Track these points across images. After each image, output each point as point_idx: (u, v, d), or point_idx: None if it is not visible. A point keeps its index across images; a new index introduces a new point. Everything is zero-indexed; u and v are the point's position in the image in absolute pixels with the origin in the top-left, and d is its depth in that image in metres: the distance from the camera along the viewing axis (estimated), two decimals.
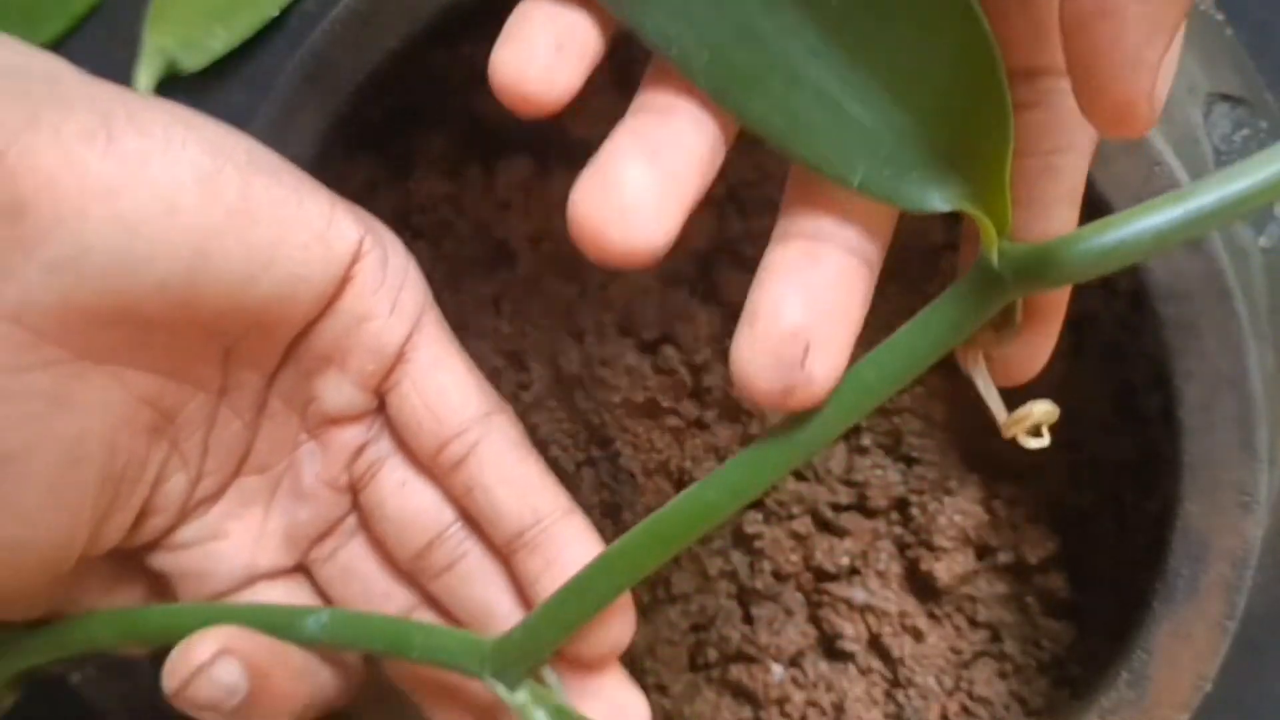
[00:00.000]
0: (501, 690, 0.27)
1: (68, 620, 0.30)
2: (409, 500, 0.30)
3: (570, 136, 0.39)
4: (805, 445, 0.24)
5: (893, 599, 0.39)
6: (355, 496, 0.30)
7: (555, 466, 0.41)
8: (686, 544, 0.26)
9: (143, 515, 0.29)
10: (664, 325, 0.39)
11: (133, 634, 0.30)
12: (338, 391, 0.29)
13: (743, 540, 0.40)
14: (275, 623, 0.29)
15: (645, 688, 0.41)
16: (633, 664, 0.41)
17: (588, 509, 0.41)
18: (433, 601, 0.31)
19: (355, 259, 0.28)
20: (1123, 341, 0.36)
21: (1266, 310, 0.35)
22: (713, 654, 0.41)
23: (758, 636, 0.40)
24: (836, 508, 0.40)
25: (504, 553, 0.30)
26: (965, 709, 0.39)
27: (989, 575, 0.39)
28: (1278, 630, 0.44)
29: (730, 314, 0.39)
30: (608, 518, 0.41)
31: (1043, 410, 0.25)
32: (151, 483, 0.28)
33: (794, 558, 0.40)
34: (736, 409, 0.39)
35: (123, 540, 0.29)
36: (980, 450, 0.38)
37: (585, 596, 0.27)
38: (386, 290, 0.29)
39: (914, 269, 0.37)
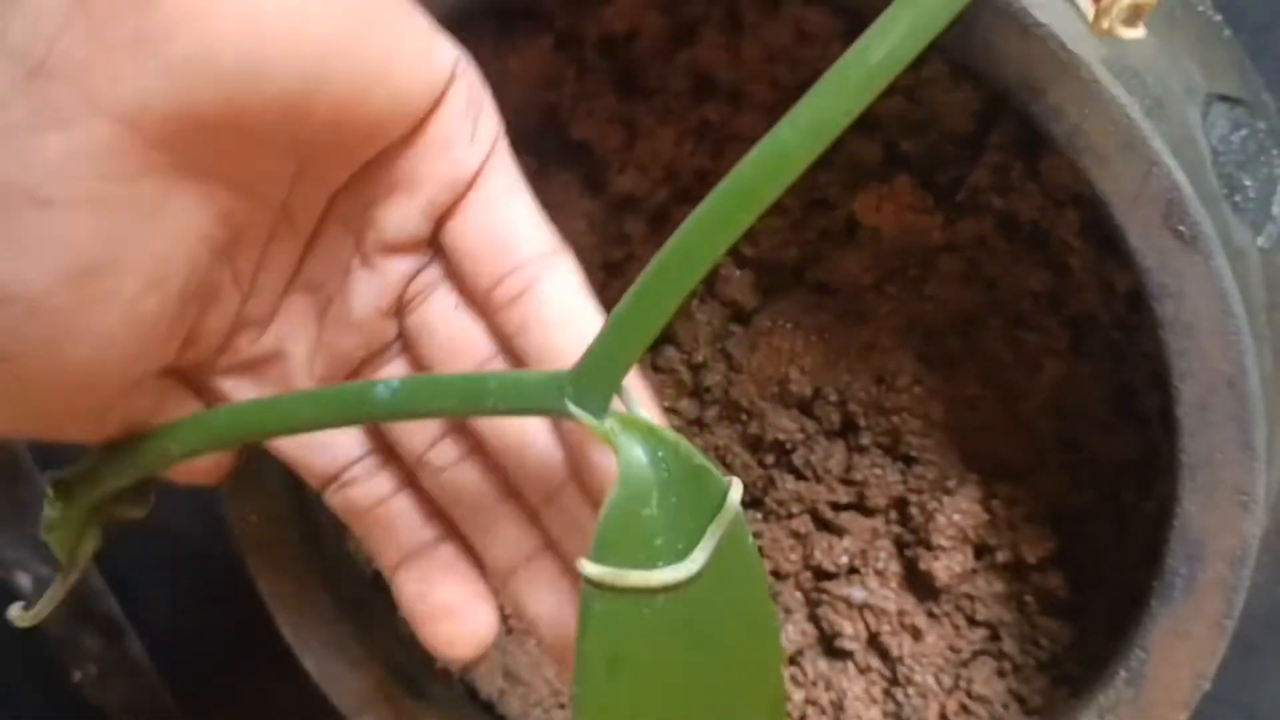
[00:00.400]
0: (589, 419, 0.24)
1: (140, 437, 0.29)
2: (457, 328, 0.28)
3: (571, 137, 0.39)
4: (882, 67, 0.23)
5: (891, 598, 0.39)
6: (402, 323, 0.29)
7: None
8: (765, 205, 0.23)
9: (201, 334, 0.27)
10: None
11: (204, 439, 0.28)
12: (403, 218, 0.27)
13: None
14: (346, 399, 0.27)
15: None
16: None
17: None
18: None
19: (450, 81, 0.27)
20: (1121, 342, 0.36)
21: (1264, 310, 0.35)
22: None
23: None
24: (835, 507, 0.40)
25: None
26: (964, 707, 0.39)
27: (987, 574, 0.39)
28: (1276, 630, 0.44)
29: (730, 314, 0.39)
30: None
31: None
32: (212, 300, 0.27)
33: (793, 556, 0.40)
34: (735, 408, 0.40)
35: (181, 359, 0.28)
36: (979, 450, 0.38)
37: (661, 292, 0.23)
38: (469, 117, 0.27)
39: (913, 268, 0.38)
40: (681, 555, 0.24)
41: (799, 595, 0.40)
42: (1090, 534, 0.38)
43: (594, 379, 0.25)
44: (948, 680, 0.39)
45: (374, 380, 0.27)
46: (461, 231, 0.28)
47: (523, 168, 0.38)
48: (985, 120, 0.36)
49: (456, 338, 0.28)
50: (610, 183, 0.39)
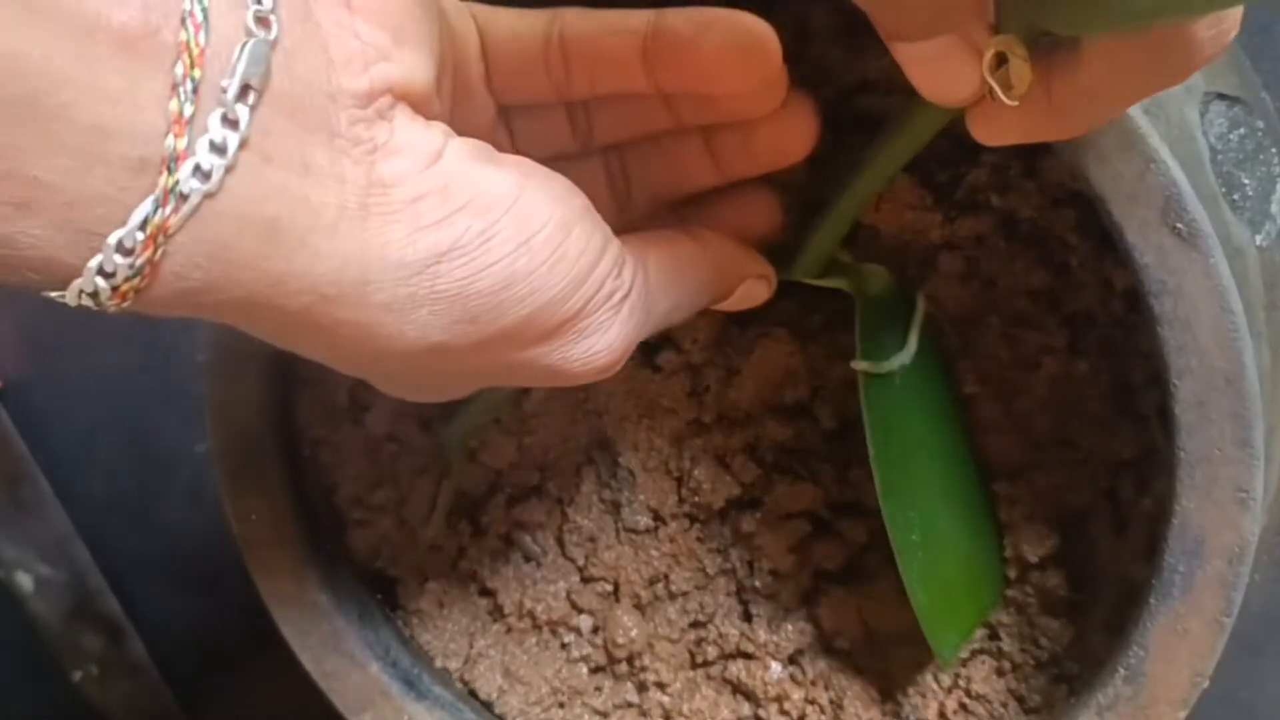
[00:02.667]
0: (812, 280, 0.36)
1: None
2: None
3: None
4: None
5: (890, 597, 0.39)
6: None
7: (557, 467, 0.41)
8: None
9: None
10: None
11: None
12: None
13: (742, 538, 0.40)
14: None
15: (644, 684, 0.41)
16: (631, 661, 0.41)
17: (588, 508, 0.41)
18: None
19: None
20: (1119, 339, 0.36)
21: (1262, 308, 0.35)
22: (712, 651, 0.41)
23: (756, 634, 0.40)
24: (833, 507, 0.40)
25: None
26: (963, 706, 0.39)
27: None
28: (1276, 628, 0.45)
29: (729, 317, 0.39)
30: (608, 515, 0.41)
31: (1015, 45, 0.26)
32: None
33: (792, 557, 0.40)
34: (734, 409, 0.40)
35: None
36: (977, 449, 0.38)
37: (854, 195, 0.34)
38: None
39: (911, 267, 0.38)
40: (900, 348, 0.36)
41: (798, 595, 0.40)
42: (1088, 532, 0.38)
43: (812, 256, 0.35)
44: (946, 679, 0.39)
45: None
46: None
47: None
48: None
49: None
50: None
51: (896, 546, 0.36)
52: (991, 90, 0.26)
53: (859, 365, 0.36)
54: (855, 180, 0.34)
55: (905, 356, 0.36)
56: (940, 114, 0.29)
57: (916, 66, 0.27)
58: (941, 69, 0.27)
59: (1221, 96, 0.36)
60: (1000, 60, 0.26)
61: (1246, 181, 0.35)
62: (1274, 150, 0.37)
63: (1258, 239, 0.36)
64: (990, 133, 0.28)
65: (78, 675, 0.56)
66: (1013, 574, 0.38)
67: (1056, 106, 0.26)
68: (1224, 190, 0.35)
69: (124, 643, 0.56)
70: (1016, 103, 0.26)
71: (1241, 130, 0.36)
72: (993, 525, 0.38)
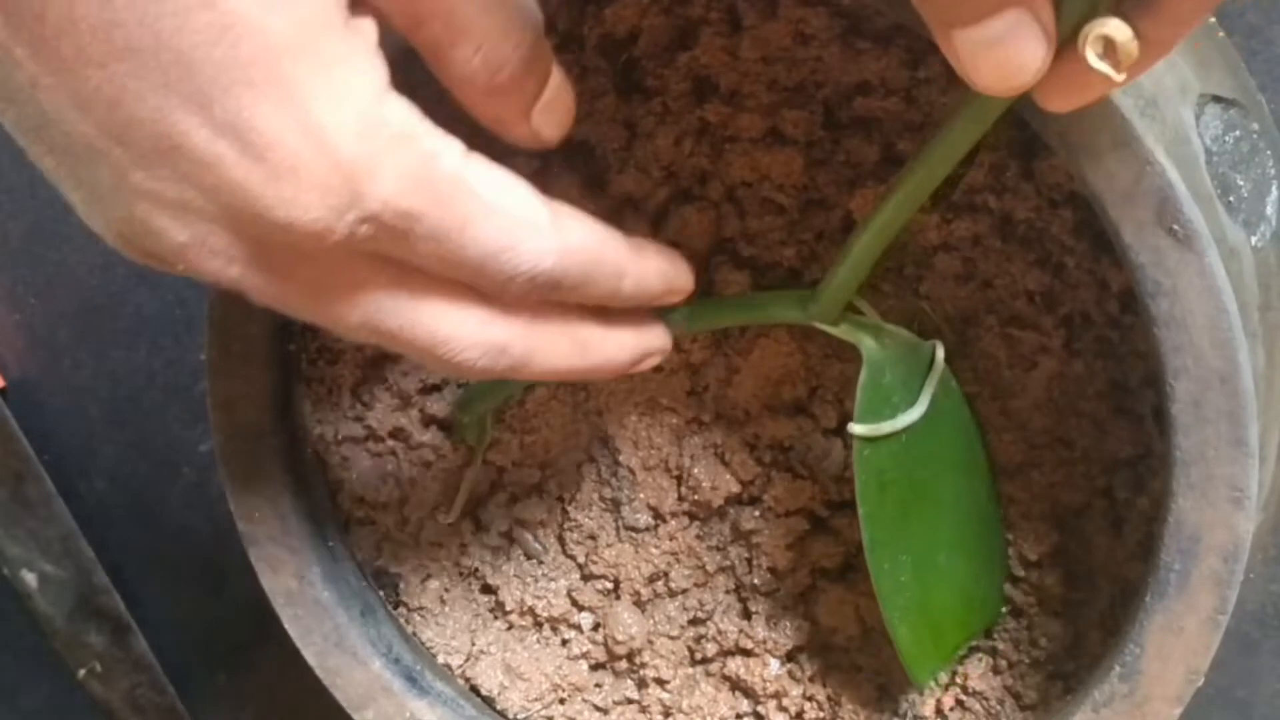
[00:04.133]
0: (828, 327, 0.35)
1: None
2: None
3: (572, 138, 0.39)
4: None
5: None
6: None
7: (557, 464, 0.41)
8: (944, 173, 0.30)
9: None
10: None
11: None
12: None
13: (741, 536, 0.41)
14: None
15: (644, 681, 0.42)
16: (631, 658, 0.41)
17: (589, 506, 0.42)
18: None
19: None
20: (1115, 340, 0.36)
21: (1257, 308, 0.35)
22: (711, 648, 0.41)
23: (755, 631, 0.41)
24: (832, 505, 0.40)
25: None
26: (960, 703, 0.39)
27: None
28: (1272, 626, 0.45)
29: None
30: (608, 513, 0.41)
31: (1118, 29, 0.25)
32: None
33: (791, 554, 0.40)
34: (733, 407, 0.40)
35: None
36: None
37: (876, 234, 0.32)
38: None
39: (909, 267, 0.38)
40: (910, 404, 0.35)
41: (796, 592, 0.41)
42: (1085, 530, 0.38)
43: (831, 302, 0.35)
44: (944, 676, 0.40)
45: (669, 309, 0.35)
46: None
47: (524, 168, 0.39)
48: None
49: None
50: (611, 183, 0.39)
51: (879, 589, 0.36)
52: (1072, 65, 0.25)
53: (855, 429, 0.35)
54: (882, 209, 0.32)
55: (912, 416, 0.35)
56: (991, 109, 0.28)
57: (979, 53, 0.25)
58: (1009, 52, 0.25)
59: (1217, 99, 0.36)
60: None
61: (1242, 183, 0.36)
62: (1269, 152, 0.38)
63: (1253, 240, 0.36)
64: (1073, 99, 0.27)
65: (81, 672, 0.56)
66: (1010, 572, 0.39)
67: (1148, 44, 0.25)
68: (1219, 191, 0.35)
69: (127, 640, 0.56)
70: (1124, 76, 0.25)
71: (1237, 132, 0.36)
72: (1000, 548, 0.38)
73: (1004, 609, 0.39)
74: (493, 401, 0.40)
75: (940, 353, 0.36)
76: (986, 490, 0.38)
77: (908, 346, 0.36)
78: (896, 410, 0.35)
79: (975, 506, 0.38)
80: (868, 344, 0.35)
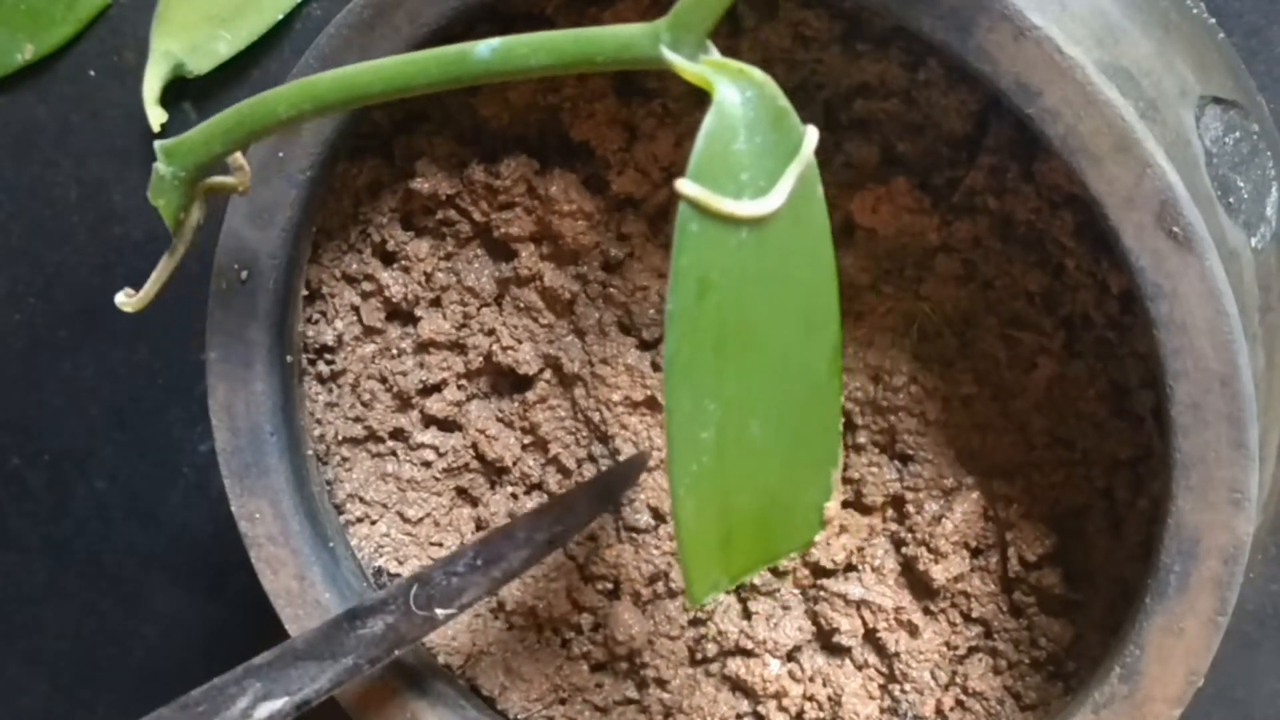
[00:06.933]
0: (684, 63, 0.27)
1: (248, 101, 0.31)
2: None
3: (571, 140, 0.39)
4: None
5: (888, 594, 0.40)
6: None
7: (556, 463, 0.41)
8: None
9: None
10: (664, 324, 0.39)
11: (309, 101, 0.30)
12: None
13: None
14: (446, 60, 0.29)
15: (644, 681, 0.42)
16: (631, 658, 0.42)
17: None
18: None
19: None
20: (1115, 341, 0.36)
21: (1258, 310, 0.36)
22: (711, 648, 0.41)
23: (755, 631, 0.41)
24: None
25: None
26: (960, 703, 0.39)
27: (983, 572, 0.39)
28: (1271, 627, 0.45)
29: None
30: (608, 514, 0.41)
31: None
32: None
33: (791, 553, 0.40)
34: None
35: None
36: (976, 448, 0.39)
37: None
38: None
39: (909, 269, 0.38)
40: (763, 192, 0.26)
41: (797, 592, 0.41)
42: (1084, 531, 0.38)
43: (688, 27, 0.27)
44: (944, 676, 0.40)
45: (474, 41, 0.28)
46: None
47: (524, 168, 0.39)
48: (981, 122, 0.36)
49: None
50: (610, 184, 0.39)
51: (671, 437, 0.27)
52: None
53: (685, 189, 0.26)
54: None
55: (764, 207, 0.26)
56: None
57: None
58: None
59: (1217, 100, 0.36)
60: None
61: (1242, 185, 0.36)
62: (1269, 153, 0.38)
63: (1253, 241, 0.36)
64: None
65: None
66: (1010, 572, 0.39)
67: None
68: (1219, 193, 0.35)
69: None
70: None
71: (1237, 134, 0.36)
72: (831, 455, 0.31)
73: (1003, 611, 0.39)
74: (221, 149, 0.32)
75: (812, 138, 0.27)
76: (828, 365, 0.29)
77: (777, 115, 0.27)
78: (743, 191, 0.27)
79: (809, 380, 0.29)
80: (725, 90, 0.27)
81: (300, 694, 0.35)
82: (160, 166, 0.32)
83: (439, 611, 0.37)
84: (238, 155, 0.34)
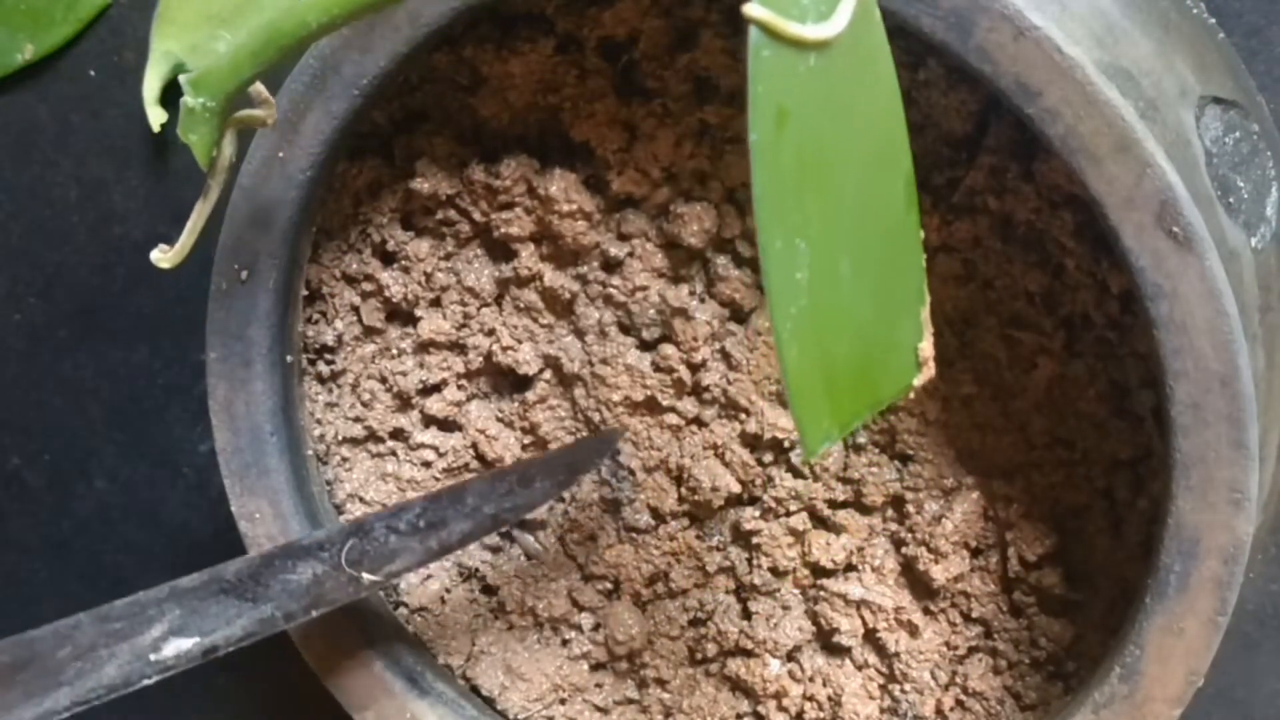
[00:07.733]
0: None
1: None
2: None
3: (571, 139, 0.39)
4: None
5: (888, 594, 0.40)
6: None
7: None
8: None
9: None
10: (664, 324, 0.39)
11: (340, 4, 0.29)
12: None
13: (741, 536, 0.41)
14: None
15: (645, 681, 0.42)
16: (632, 658, 0.42)
17: (588, 505, 0.42)
18: None
19: None
20: (1115, 341, 0.36)
21: (1258, 310, 0.36)
22: (711, 648, 0.41)
23: (755, 631, 0.41)
24: (833, 504, 0.40)
25: None
26: (960, 703, 0.39)
27: (983, 572, 0.39)
28: (1271, 627, 0.45)
29: (730, 314, 0.39)
30: (608, 514, 0.41)
31: None
32: None
33: (791, 554, 0.40)
34: (734, 407, 0.40)
35: None
36: (976, 449, 0.39)
37: None
38: None
39: None
40: (825, 17, 0.25)
41: (797, 592, 0.41)
42: (1084, 531, 0.38)
43: None
44: (944, 676, 0.40)
45: None
46: None
47: (524, 168, 0.39)
48: (981, 122, 0.36)
49: None
50: (610, 184, 0.39)
51: (769, 284, 0.26)
52: None
53: (754, 11, 0.25)
54: None
55: (828, 30, 0.25)
56: None
57: None
58: None
59: (1217, 100, 0.36)
60: None
61: (1242, 185, 0.36)
62: (1269, 153, 0.38)
63: (1253, 241, 0.36)
64: None
65: None
66: (1010, 572, 0.39)
67: None
68: (1219, 193, 0.35)
69: None
70: None
71: (1237, 134, 0.36)
72: (917, 291, 0.31)
73: (1003, 611, 0.39)
74: (237, 78, 0.31)
75: None
76: (905, 196, 0.29)
77: None
78: (806, 16, 0.25)
79: (888, 214, 0.29)
80: None
81: (210, 637, 0.35)
82: (189, 100, 0.31)
83: (365, 576, 0.37)
84: (260, 87, 0.33)
